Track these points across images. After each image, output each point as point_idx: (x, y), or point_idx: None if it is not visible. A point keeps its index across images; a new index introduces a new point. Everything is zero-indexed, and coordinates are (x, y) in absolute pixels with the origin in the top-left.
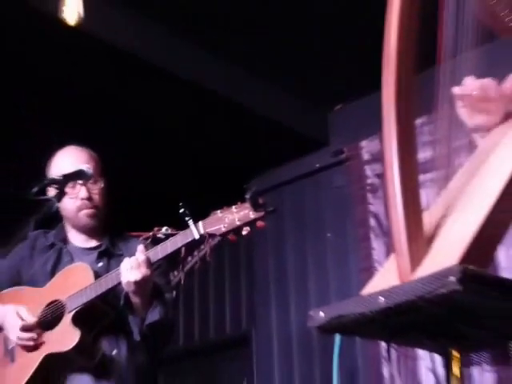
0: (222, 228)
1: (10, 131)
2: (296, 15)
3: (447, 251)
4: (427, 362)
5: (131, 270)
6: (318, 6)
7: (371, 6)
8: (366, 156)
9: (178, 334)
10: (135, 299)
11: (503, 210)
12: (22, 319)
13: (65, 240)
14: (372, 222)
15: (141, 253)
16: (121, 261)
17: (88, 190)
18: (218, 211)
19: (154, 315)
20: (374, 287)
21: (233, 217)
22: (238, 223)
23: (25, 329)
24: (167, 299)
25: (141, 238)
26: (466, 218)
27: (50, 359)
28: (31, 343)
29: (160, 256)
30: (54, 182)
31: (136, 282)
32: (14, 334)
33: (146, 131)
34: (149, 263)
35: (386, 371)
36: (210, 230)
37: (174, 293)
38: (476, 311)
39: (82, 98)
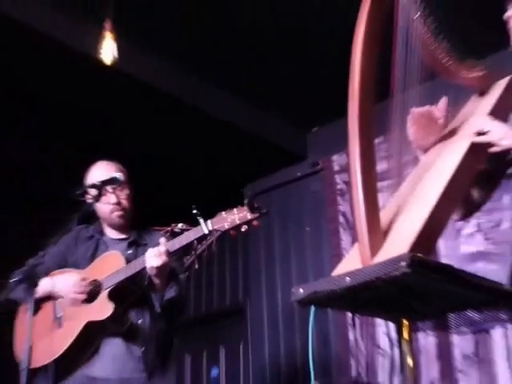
0: (226, 225)
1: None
2: (286, 50)
3: (399, 242)
4: (383, 328)
5: (154, 257)
6: (300, 45)
7: (344, 50)
8: (336, 167)
9: (189, 306)
10: (156, 280)
11: (442, 210)
12: (76, 280)
13: (101, 233)
14: (341, 218)
15: (162, 245)
16: (145, 249)
17: (117, 197)
18: (223, 212)
19: (170, 293)
20: (341, 270)
21: (234, 217)
22: (238, 222)
23: (78, 283)
24: (181, 279)
25: (161, 232)
26: (413, 216)
27: (90, 326)
28: (84, 296)
29: (177, 246)
30: (93, 186)
31: (157, 267)
32: (70, 291)
33: (163, 154)
34: (168, 253)
35: (351, 335)
36: (216, 227)
37: (187, 274)
38: (421, 289)
39: (109, 123)
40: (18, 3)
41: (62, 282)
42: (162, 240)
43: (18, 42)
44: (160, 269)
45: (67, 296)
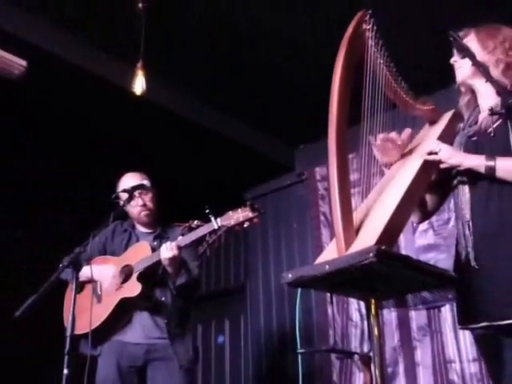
0: (232, 222)
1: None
2: (281, 84)
3: (368, 237)
4: (355, 305)
5: (166, 250)
6: (291, 80)
7: (325, 82)
8: (318, 177)
9: (201, 285)
10: (169, 269)
11: (401, 212)
12: (113, 273)
13: (133, 227)
14: (322, 217)
15: (175, 240)
16: (168, 241)
17: (143, 200)
18: (230, 211)
19: (181, 279)
20: (322, 259)
21: (238, 215)
22: (241, 219)
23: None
24: (191, 268)
25: (181, 227)
26: (379, 216)
27: (124, 301)
28: (117, 287)
29: (194, 238)
30: (125, 191)
31: (169, 258)
32: (106, 283)
33: (177, 169)
34: (178, 247)
35: (329, 310)
36: (224, 223)
37: (200, 260)
38: (385, 275)
39: (136, 144)
40: (69, 45)
41: (101, 272)
42: (178, 237)
43: (68, 79)
44: (171, 260)
45: (104, 284)
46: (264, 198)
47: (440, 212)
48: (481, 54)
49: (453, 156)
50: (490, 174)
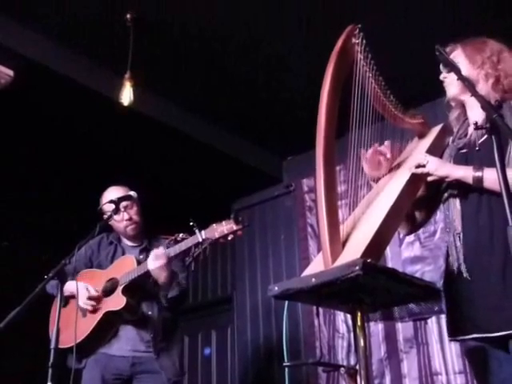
0: (216, 235)
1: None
2: (272, 99)
3: (354, 250)
4: (342, 317)
5: (152, 260)
6: (281, 93)
7: (315, 95)
8: (305, 188)
9: (188, 296)
10: (159, 280)
11: (388, 225)
12: (89, 292)
13: (119, 240)
14: (309, 229)
15: (157, 250)
16: None
17: (129, 214)
18: (214, 224)
19: (173, 292)
20: (309, 271)
21: (222, 228)
22: (225, 232)
23: (89, 298)
24: (181, 280)
25: (167, 240)
26: (366, 229)
27: (108, 314)
28: (92, 308)
29: (178, 251)
30: (112, 202)
31: (156, 268)
32: (82, 302)
33: (168, 177)
34: (164, 256)
35: (316, 322)
36: (208, 236)
37: (186, 272)
38: (371, 287)
39: (123, 153)
40: (60, 58)
41: (80, 291)
42: (161, 248)
43: (55, 89)
44: (159, 269)
45: (80, 304)
46: (252, 209)
47: (426, 224)
48: (469, 69)
49: (440, 167)
50: (478, 185)
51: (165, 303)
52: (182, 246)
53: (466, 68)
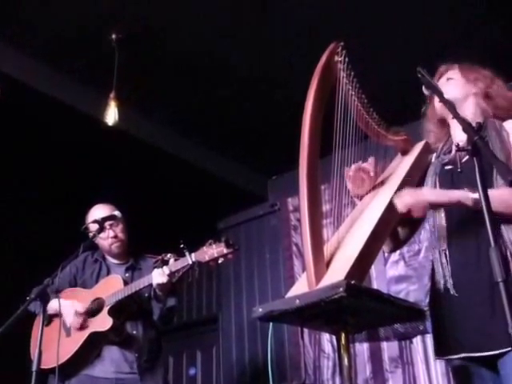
0: (206, 258)
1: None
2: (256, 120)
3: (338, 271)
4: (327, 336)
5: (159, 276)
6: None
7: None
8: (290, 207)
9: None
10: (159, 293)
11: (372, 245)
12: (76, 310)
13: (104, 258)
14: (294, 248)
15: (166, 267)
16: (140, 273)
17: (114, 232)
18: (204, 247)
19: (171, 302)
20: (293, 293)
21: (213, 251)
22: (216, 255)
23: (76, 314)
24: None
25: (154, 260)
26: (350, 249)
27: (93, 335)
28: (79, 326)
29: (176, 268)
30: (96, 221)
31: (161, 284)
32: (69, 320)
33: (149, 199)
34: (170, 273)
35: (301, 342)
36: (198, 258)
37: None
38: (356, 308)
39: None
40: (45, 77)
41: (67, 309)
42: (170, 262)
43: (43, 109)
44: (164, 285)
45: (68, 322)
46: (237, 228)
47: (411, 243)
48: (464, 85)
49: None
50: (476, 207)
51: (156, 315)
52: (171, 267)
53: (460, 83)
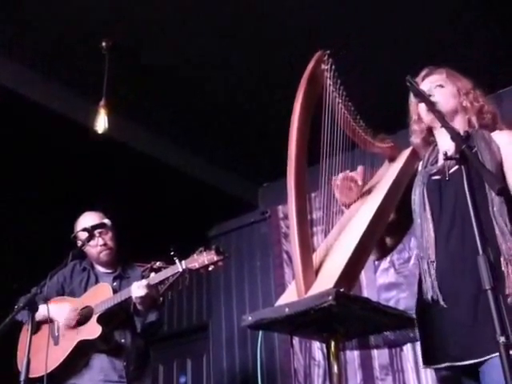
0: (196, 265)
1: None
2: (247, 129)
3: (327, 279)
4: (318, 344)
5: (138, 289)
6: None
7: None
8: (281, 215)
9: (163, 324)
10: (140, 307)
11: (360, 253)
12: (70, 308)
13: (92, 266)
14: (284, 255)
15: (145, 280)
16: (129, 282)
17: (103, 239)
18: (195, 254)
19: (151, 317)
20: (282, 301)
21: (203, 258)
22: (206, 263)
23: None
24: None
25: (143, 268)
26: (338, 257)
27: (82, 344)
28: (75, 322)
29: (157, 280)
30: (85, 229)
31: (141, 297)
32: (62, 318)
33: (140, 206)
34: (149, 286)
35: (291, 350)
36: (188, 266)
37: (161, 299)
38: (345, 316)
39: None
40: (35, 85)
41: (58, 310)
42: (151, 275)
43: (33, 117)
44: (143, 298)
45: (61, 321)
46: (227, 236)
47: (400, 251)
48: (455, 95)
49: None
50: None
51: (139, 329)
52: (161, 275)
53: (450, 93)
